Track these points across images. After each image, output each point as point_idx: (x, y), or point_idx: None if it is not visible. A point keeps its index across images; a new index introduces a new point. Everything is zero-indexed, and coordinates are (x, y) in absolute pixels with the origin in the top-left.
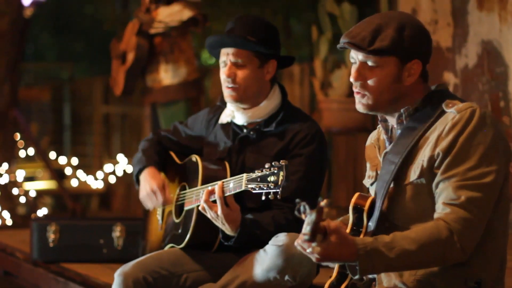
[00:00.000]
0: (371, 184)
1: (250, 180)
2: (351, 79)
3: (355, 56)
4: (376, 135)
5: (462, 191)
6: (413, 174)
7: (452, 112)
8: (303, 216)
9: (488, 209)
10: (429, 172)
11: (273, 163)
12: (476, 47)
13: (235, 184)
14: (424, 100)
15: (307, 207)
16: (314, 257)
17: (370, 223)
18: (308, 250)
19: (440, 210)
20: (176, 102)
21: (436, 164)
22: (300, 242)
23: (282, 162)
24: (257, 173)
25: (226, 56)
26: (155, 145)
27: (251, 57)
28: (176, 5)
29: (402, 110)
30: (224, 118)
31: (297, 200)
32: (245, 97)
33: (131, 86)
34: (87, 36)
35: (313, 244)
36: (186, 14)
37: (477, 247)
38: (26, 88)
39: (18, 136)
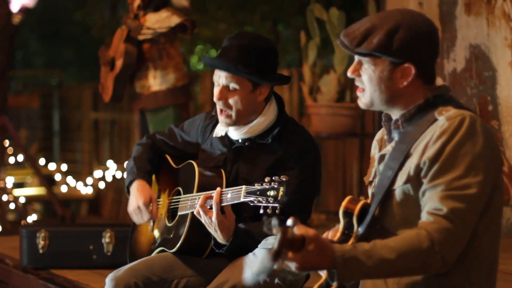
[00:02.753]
0: (370, 183)
1: (249, 193)
2: (348, 73)
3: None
4: (381, 135)
5: (446, 201)
6: (400, 180)
7: (441, 120)
8: (274, 232)
9: (471, 220)
10: (415, 179)
11: (273, 178)
12: (464, 51)
13: (233, 195)
14: (422, 105)
15: (274, 223)
16: (293, 266)
17: (360, 228)
18: (283, 266)
19: (424, 219)
20: (165, 108)
21: (423, 173)
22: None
23: (283, 178)
24: (257, 187)
25: (219, 77)
26: (148, 151)
27: (244, 82)
28: (165, 11)
29: (398, 116)
30: (219, 131)
31: (265, 217)
32: (237, 121)
33: (120, 92)
34: (75, 42)
35: (279, 261)
36: (175, 20)
37: (461, 257)
38: (15, 95)
39: (7, 142)
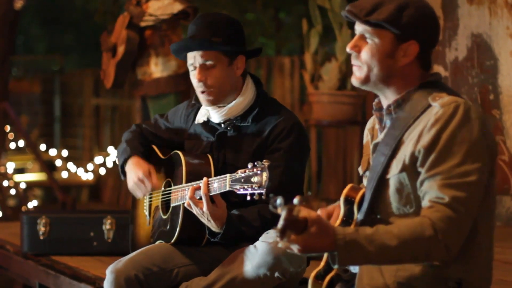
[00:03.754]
0: (364, 173)
1: (234, 181)
2: (347, 49)
3: (357, 28)
4: (372, 124)
5: (448, 190)
6: (395, 168)
7: (436, 107)
8: (278, 211)
9: (474, 207)
10: (411, 168)
11: (255, 163)
12: (466, 40)
13: (219, 184)
14: (415, 91)
15: (280, 202)
16: (296, 249)
17: (359, 215)
18: (286, 245)
19: (426, 208)
20: (166, 95)
21: (419, 161)
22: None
23: (265, 162)
24: (241, 174)
25: (194, 59)
26: (138, 136)
27: (219, 56)
28: None
29: (391, 101)
30: (200, 117)
31: (271, 194)
32: (220, 98)
33: (121, 79)
34: (77, 28)
35: (285, 240)
36: (177, 7)
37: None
38: (16, 80)
39: (8, 128)
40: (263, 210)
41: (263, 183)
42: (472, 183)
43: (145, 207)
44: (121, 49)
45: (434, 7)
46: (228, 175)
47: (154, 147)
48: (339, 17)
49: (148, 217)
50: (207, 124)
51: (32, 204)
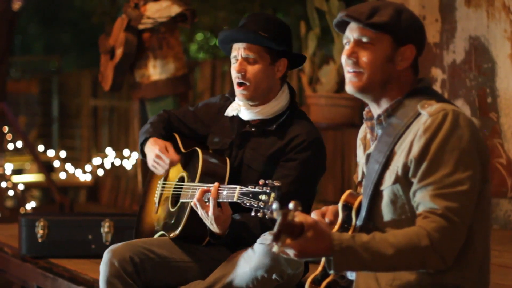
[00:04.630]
0: (359, 182)
1: (243, 194)
2: (344, 57)
3: (350, 35)
4: (363, 133)
5: (440, 200)
6: (389, 179)
7: (424, 115)
8: (274, 215)
9: (468, 216)
10: (404, 178)
11: (266, 181)
12: (464, 43)
13: (228, 193)
14: (404, 99)
15: (275, 206)
16: (291, 253)
17: (358, 222)
18: (280, 250)
19: (420, 218)
20: (165, 98)
21: (410, 172)
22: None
23: (276, 183)
24: (250, 189)
25: (237, 51)
26: (163, 121)
27: (263, 53)
28: (165, 0)
29: (381, 111)
30: (230, 111)
31: (271, 199)
32: (255, 95)
33: (119, 81)
34: (75, 27)
35: (279, 244)
36: (175, 10)
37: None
38: (14, 80)
39: (6, 129)
40: (264, 218)
41: (269, 203)
42: (464, 192)
43: (156, 195)
44: (119, 52)
45: (432, 9)
46: (238, 186)
47: (177, 136)
48: None
49: (157, 204)
50: (234, 119)
51: (30, 205)
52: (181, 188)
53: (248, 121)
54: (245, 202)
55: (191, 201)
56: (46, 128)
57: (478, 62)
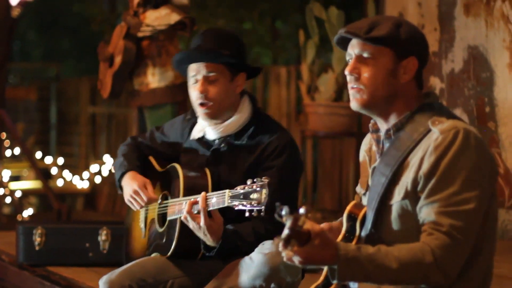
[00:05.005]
0: (364, 194)
1: (233, 197)
2: (346, 73)
3: (351, 52)
4: (368, 145)
5: (446, 218)
6: (397, 195)
7: (435, 133)
8: (283, 220)
9: (472, 235)
10: (413, 194)
11: (255, 180)
12: (463, 52)
13: (218, 199)
14: (413, 114)
15: (286, 211)
16: (297, 260)
17: (362, 233)
18: (290, 255)
19: (425, 234)
20: (163, 106)
21: (419, 188)
22: (279, 247)
23: (265, 179)
24: (240, 190)
25: (197, 71)
26: (134, 150)
27: (223, 70)
28: (164, 8)
29: (390, 125)
30: (196, 133)
31: (277, 203)
32: (219, 113)
33: (118, 89)
34: (74, 35)
35: (288, 249)
36: (174, 17)
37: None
38: (13, 87)
39: (4, 135)
40: (257, 226)
41: (262, 200)
42: (470, 211)
43: (140, 220)
44: (118, 60)
45: (430, 18)
46: (227, 190)
47: (152, 159)
48: (336, 28)
49: (143, 229)
50: (202, 140)
51: (27, 212)
52: (166, 206)
53: (215, 140)
54: (236, 204)
55: (180, 216)
56: (44, 135)
57: (476, 71)
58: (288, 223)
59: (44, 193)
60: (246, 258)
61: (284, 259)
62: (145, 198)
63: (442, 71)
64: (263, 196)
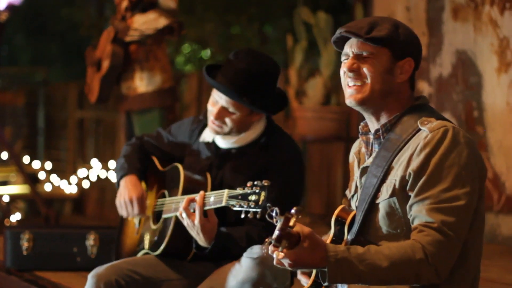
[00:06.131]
0: (352, 196)
1: (232, 197)
2: (343, 71)
3: (349, 50)
4: (358, 147)
5: (437, 214)
6: (385, 192)
7: (425, 131)
8: (274, 221)
9: (463, 231)
10: (401, 192)
11: (255, 182)
12: (451, 57)
13: (216, 198)
14: (403, 114)
15: (277, 212)
16: (286, 263)
17: (349, 236)
18: (281, 256)
19: (416, 232)
20: (151, 110)
21: (408, 185)
22: (270, 248)
23: (265, 183)
24: (239, 191)
25: (219, 97)
26: (137, 151)
27: (242, 107)
28: (152, 13)
29: (379, 126)
30: (206, 137)
31: (268, 204)
32: (228, 134)
33: (106, 93)
34: (62, 39)
35: (279, 249)
36: (162, 22)
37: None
38: (0, 92)
39: None
40: (250, 231)
41: (260, 202)
42: (461, 207)
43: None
44: (105, 64)
45: (419, 23)
46: (226, 190)
47: (154, 158)
48: (324, 32)
49: (137, 225)
50: (211, 144)
51: (15, 217)
52: (163, 204)
53: (225, 148)
54: (234, 204)
55: (176, 214)
56: (31, 139)
57: (465, 76)
58: (279, 223)
59: (32, 198)
60: (235, 263)
61: (274, 262)
62: (136, 211)
63: (430, 75)
64: (262, 198)
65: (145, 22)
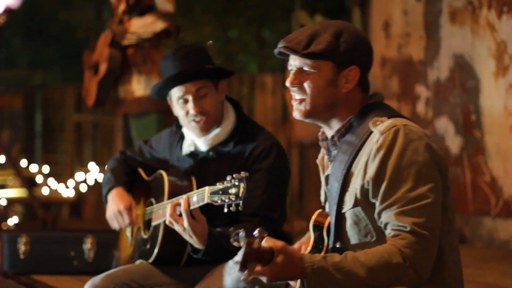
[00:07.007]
0: (325, 203)
1: (213, 193)
2: (287, 84)
3: (293, 63)
4: (321, 155)
5: (406, 217)
6: (349, 202)
7: (376, 134)
8: (241, 244)
9: (436, 227)
10: (364, 201)
11: (234, 175)
12: (448, 60)
13: (198, 197)
14: (355, 117)
15: (242, 235)
16: (264, 279)
17: (329, 241)
18: (249, 279)
19: (390, 236)
20: (148, 114)
21: (370, 193)
22: (237, 269)
23: (243, 174)
24: (219, 186)
25: (184, 92)
26: (122, 164)
27: (209, 83)
28: (149, 16)
29: (334, 132)
30: (186, 148)
31: (231, 229)
32: (212, 125)
33: (103, 97)
34: (59, 42)
35: (246, 272)
36: (159, 25)
37: None
38: None
39: None
40: (246, 228)
41: (240, 194)
42: (428, 204)
43: (127, 229)
44: (103, 67)
45: (416, 26)
46: (207, 187)
47: (140, 170)
48: None
49: (130, 238)
50: (193, 154)
51: (13, 220)
52: (151, 212)
53: (206, 151)
54: (216, 199)
55: (164, 221)
56: (29, 142)
57: (462, 79)
58: (242, 248)
59: (29, 202)
60: (230, 262)
61: (243, 279)
62: (127, 221)
63: (428, 79)
64: (241, 190)
65: (143, 26)
